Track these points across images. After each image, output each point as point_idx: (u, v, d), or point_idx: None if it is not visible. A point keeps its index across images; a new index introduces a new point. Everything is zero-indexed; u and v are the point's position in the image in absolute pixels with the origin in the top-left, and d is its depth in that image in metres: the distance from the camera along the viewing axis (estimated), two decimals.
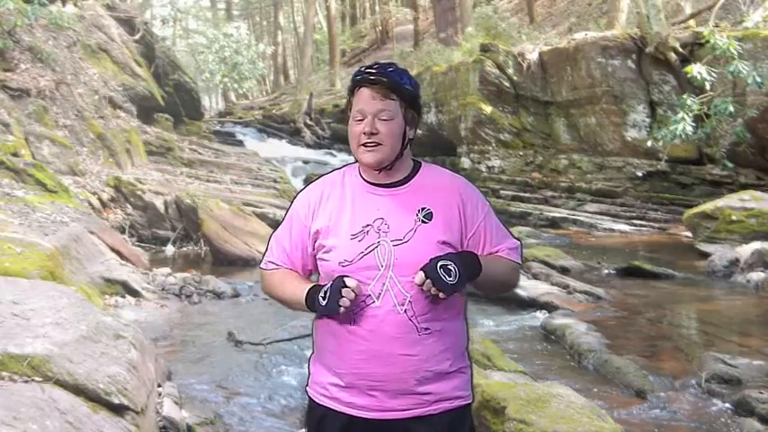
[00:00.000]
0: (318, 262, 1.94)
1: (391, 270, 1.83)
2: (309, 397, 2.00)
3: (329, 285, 1.82)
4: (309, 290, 1.88)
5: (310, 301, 1.87)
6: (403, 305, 1.83)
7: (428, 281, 1.77)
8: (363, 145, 1.86)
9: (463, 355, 1.97)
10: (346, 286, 1.79)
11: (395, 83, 1.86)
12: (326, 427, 1.94)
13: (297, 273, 1.98)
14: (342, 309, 1.80)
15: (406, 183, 1.92)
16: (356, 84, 1.89)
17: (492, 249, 1.95)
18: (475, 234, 1.93)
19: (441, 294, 1.79)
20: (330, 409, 1.93)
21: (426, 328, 1.85)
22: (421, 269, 1.79)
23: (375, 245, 1.85)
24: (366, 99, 1.86)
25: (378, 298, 1.83)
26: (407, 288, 1.83)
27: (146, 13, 29.46)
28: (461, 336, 1.97)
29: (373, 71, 1.87)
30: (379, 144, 1.85)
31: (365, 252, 1.84)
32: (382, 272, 1.83)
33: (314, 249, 1.94)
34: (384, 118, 1.85)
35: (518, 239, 2.04)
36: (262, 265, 2.05)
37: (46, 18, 11.92)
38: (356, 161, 1.94)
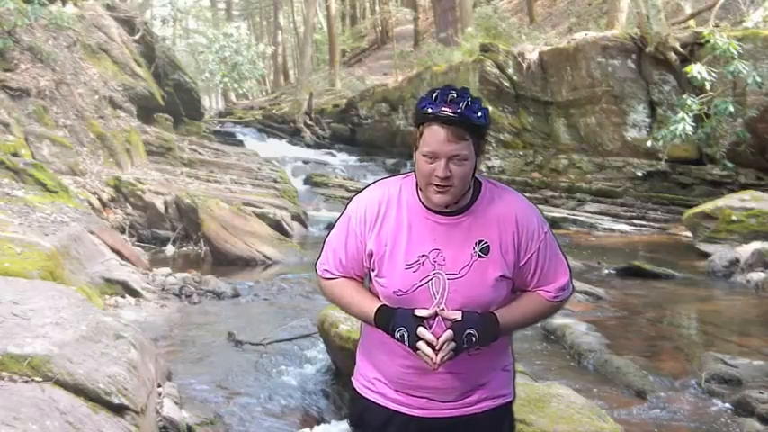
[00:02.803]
0: (373, 283, 1.94)
1: (444, 304, 1.82)
2: (354, 388, 2.02)
3: (405, 328, 1.79)
4: (379, 311, 1.86)
5: (382, 327, 1.85)
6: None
7: (452, 343, 1.78)
8: (435, 185, 1.79)
9: (508, 354, 2.01)
10: (420, 337, 1.78)
11: (470, 123, 1.76)
12: (369, 420, 1.96)
13: (355, 280, 1.97)
14: (418, 352, 1.81)
15: (466, 211, 1.86)
16: (428, 118, 1.77)
17: (537, 287, 1.91)
18: (525, 265, 1.88)
19: (448, 354, 1.80)
20: (373, 402, 1.95)
21: (477, 350, 1.85)
22: (450, 329, 1.78)
23: (430, 277, 1.83)
24: (440, 141, 1.74)
25: (430, 327, 1.82)
26: None
27: (146, 13, 29.43)
28: (507, 340, 2.00)
29: (449, 112, 1.74)
30: (451, 186, 1.79)
31: (420, 284, 1.83)
32: (435, 303, 1.83)
33: (369, 265, 1.93)
34: (457, 162, 1.76)
35: (569, 271, 1.97)
36: (319, 271, 2.01)
37: (46, 18, 11.91)
38: (413, 175, 1.88)
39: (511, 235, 1.85)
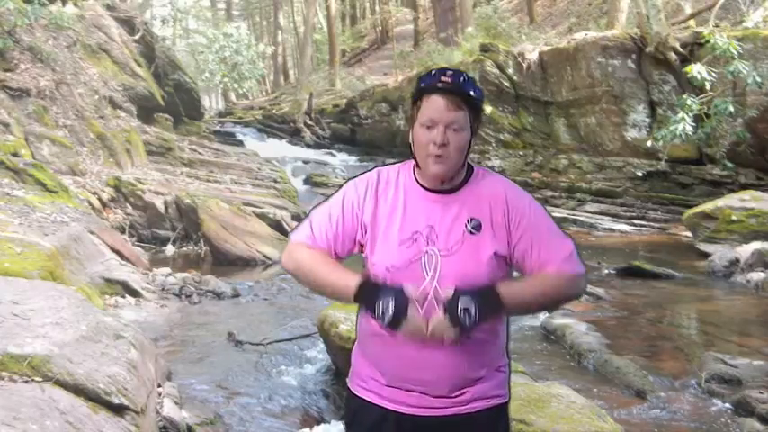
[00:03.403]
0: (366, 263, 1.93)
1: (436, 281, 1.82)
2: (348, 388, 2.02)
3: (392, 300, 1.77)
4: (362, 285, 1.82)
5: (364, 301, 1.83)
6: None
7: (447, 323, 1.75)
8: (432, 156, 1.83)
9: (502, 355, 1.98)
10: (408, 314, 1.76)
11: (467, 95, 1.84)
12: (362, 419, 1.96)
13: (331, 257, 1.93)
14: (401, 331, 1.79)
15: (459, 189, 1.90)
16: (428, 90, 1.85)
17: (541, 264, 1.86)
18: (520, 243, 1.87)
19: (446, 339, 1.78)
20: (367, 401, 1.94)
21: (468, 336, 1.83)
22: (443, 304, 1.76)
23: (423, 253, 1.84)
24: (439, 108, 1.82)
25: (422, 306, 1.82)
26: None
27: (146, 13, 29.44)
28: (501, 338, 1.97)
29: (448, 81, 1.83)
30: (448, 157, 1.83)
31: (413, 260, 1.84)
32: (427, 282, 1.83)
33: (362, 241, 1.92)
34: (455, 129, 1.83)
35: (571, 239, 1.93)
36: (295, 237, 1.98)
37: (46, 18, 11.91)
38: (414, 162, 1.92)
39: (501, 213, 1.88)
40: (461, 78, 1.84)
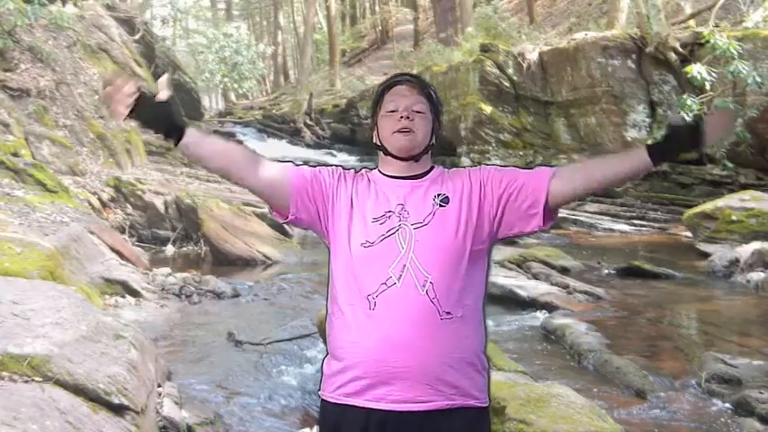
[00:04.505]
0: (336, 242, 1.94)
1: (412, 252, 1.85)
2: (323, 400, 1.94)
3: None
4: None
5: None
6: (424, 286, 1.83)
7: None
8: (399, 131, 1.93)
9: (482, 353, 1.96)
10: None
11: (426, 88, 1.98)
12: (344, 426, 1.88)
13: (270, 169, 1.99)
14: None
15: (426, 175, 1.98)
16: (391, 83, 1.98)
17: (550, 175, 1.92)
18: (505, 192, 1.92)
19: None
20: (347, 407, 1.87)
21: (448, 312, 1.83)
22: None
23: (396, 228, 1.88)
24: (402, 92, 1.95)
25: (399, 279, 1.83)
26: (428, 269, 1.84)
27: (146, 13, 29.44)
28: (481, 328, 1.95)
29: (409, 76, 2.00)
30: (413, 132, 1.93)
31: (386, 235, 1.87)
32: (403, 253, 1.85)
33: (324, 223, 1.96)
34: (418, 110, 1.93)
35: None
36: None
37: (46, 18, 11.92)
38: (376, 167, 2.02)
39: (467, 184, 1.95)
40: (419, 77, 1.99)
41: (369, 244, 1.87)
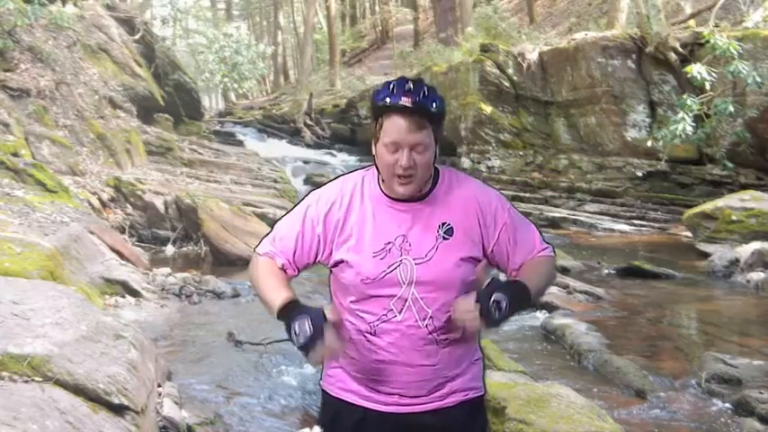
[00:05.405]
0: (337, 275, 1.92)
1: (413, 287, 1.83)
2: (324, 391, 2.01)
3: (308, 321, 1.75)
4: (285, 306, 1.82)
5: (284, 321, 1.82)
6: (425, 320, 1.85)
7: (476, 313, 1.73)
8: (398, 177, 1.80)
9: (477, 348, 2.00)
10: (325, 338, 1.73)
11: (428, 112, 1.78)
12: (341, 423, 1.95)
13: (284, 273, 1.94)
14: (313, 361, 1.79)
15: (427, 197, 1.88)
16: (389, 109, 1.78)
17: (525, 253, 1.91)
18: (498, 244, 1.89)
19: (468, 327, 1.79)
20: (345, 402, 1.94)
21: (445, 339, 1.87)
22: (476, 300, 1.75)
23: (397, 263, 1.83)
24: (401, 131, 1.76)
25: (399, 313, 1.84)
26: (429, 304, 1.84)
27: (146, 13, 29.45)
28: (474, 334, 1.97)
29: (408, 102, 1.75)
30: (413, 177, 1.81)
31: (387, 271, 1.83)
32: (404, 289, 1.83)
33: (324, 258, 1.91)
34: (420, 151, 1.78)
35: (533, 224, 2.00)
36: (259, 249, 1.99)
37: (46, 18, 11.92)
38: (375, 168, 1.91)
39: (474, 215, 1.88)
40: (421, 94, 1.77)
41: (370, 281, 1.84)
